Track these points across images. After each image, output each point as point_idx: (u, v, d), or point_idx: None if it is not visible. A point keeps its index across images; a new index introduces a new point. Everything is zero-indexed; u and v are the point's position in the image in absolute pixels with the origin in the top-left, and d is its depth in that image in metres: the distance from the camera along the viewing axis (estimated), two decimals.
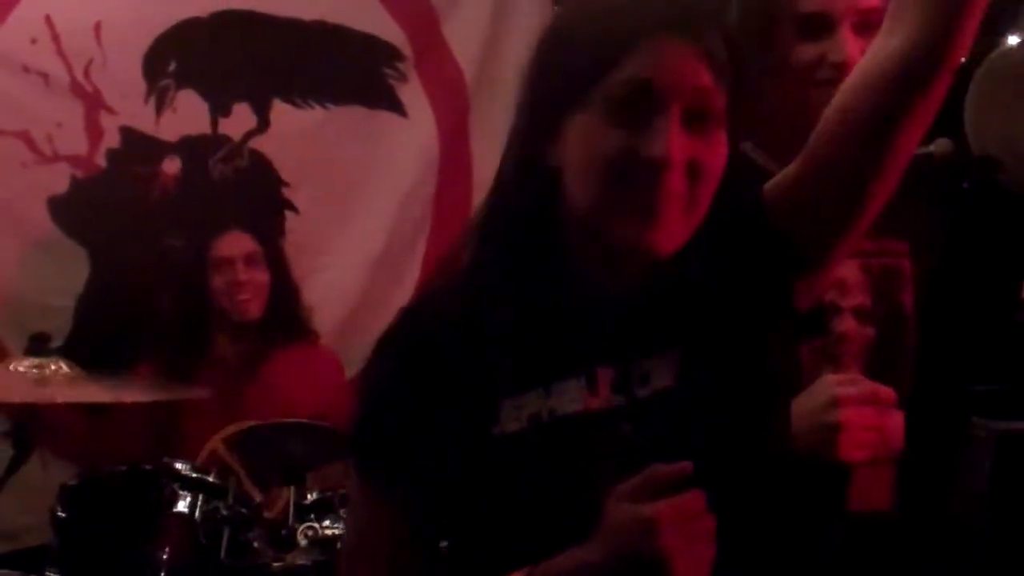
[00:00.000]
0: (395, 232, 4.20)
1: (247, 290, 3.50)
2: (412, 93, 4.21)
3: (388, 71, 4.17)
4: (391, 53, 4.16)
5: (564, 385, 1.33)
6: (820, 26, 1.73)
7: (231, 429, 3.19)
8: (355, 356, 3.99)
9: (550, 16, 1.50)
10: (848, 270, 1.81)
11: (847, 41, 1.71)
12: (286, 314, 3.61)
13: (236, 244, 3.54)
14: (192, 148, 3.93)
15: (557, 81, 1.30)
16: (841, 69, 1.66)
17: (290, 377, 3.51)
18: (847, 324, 1.81)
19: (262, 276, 3.54)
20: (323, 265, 3.79)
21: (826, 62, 1.72)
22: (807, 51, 1.74)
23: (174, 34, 3.85)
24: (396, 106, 4.20)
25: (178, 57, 3.87)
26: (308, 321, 3.69)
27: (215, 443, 3.19)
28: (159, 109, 3.86)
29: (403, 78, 4.19)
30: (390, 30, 4.14)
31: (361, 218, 4.14)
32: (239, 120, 3.98)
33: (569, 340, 1.34)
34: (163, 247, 3.88)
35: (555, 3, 4.33)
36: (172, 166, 3.90)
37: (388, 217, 4.18)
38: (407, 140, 4.22)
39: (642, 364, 1.35)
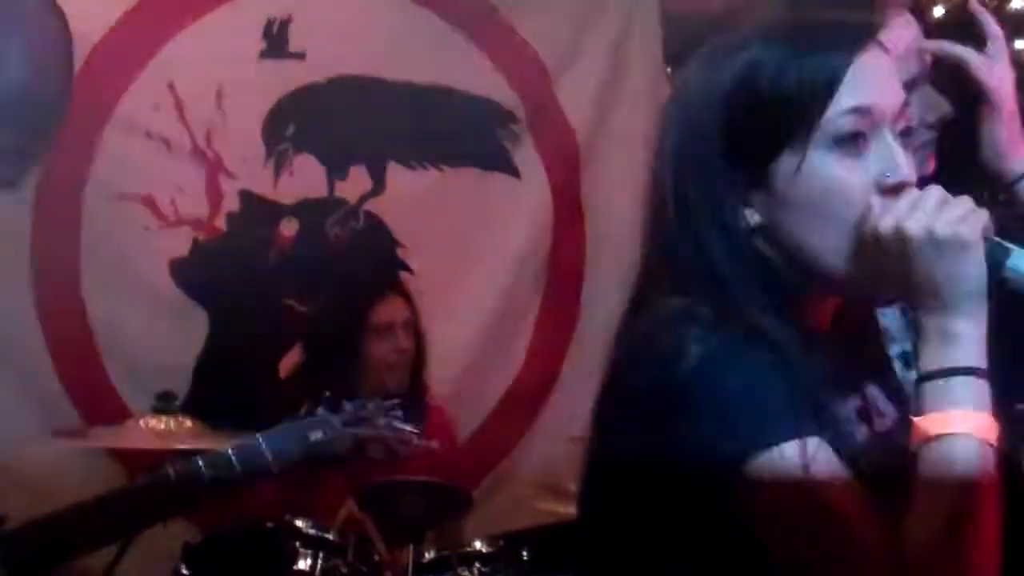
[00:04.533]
0: (509, 292, 4.22)
1: (405, 357, 3.44)
2: (525, 154, 4.25)
3: (502, 133, 4.22)
4: (505, 115, 4.21)
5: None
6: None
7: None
8: (466, 417, 4.00)
9: (736, 66, 1.30)
10: None
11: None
12: (422, 380, 3.54)
13: (396, 309, 3.48)
14: (309, 211, 3.98)
15: (767, 126, 1.27)
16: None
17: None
18: None
19: (411, 344, 3.48)
20: (436, 325, 3.77)
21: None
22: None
23: (293, 99, 3.93)
24: (509, 167, 4.24)
25: (296, 121, 3.94)
26: (428, 382, 3.62)
27: (349, 507, 3.18)
28: (277, 172, 3.92)
29: (516, 140, 4.24)
30: (504, 92, 4.20)
31: (475, 278, 4.17)
32: (355, 183, 4.04)
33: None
34: (281, 308, 3.93)
35: (668, 67, 4.36)
36: (290, 228, 3.96)
37: (502, 278, 4.21)
38: (520, 201, 4.26)
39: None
